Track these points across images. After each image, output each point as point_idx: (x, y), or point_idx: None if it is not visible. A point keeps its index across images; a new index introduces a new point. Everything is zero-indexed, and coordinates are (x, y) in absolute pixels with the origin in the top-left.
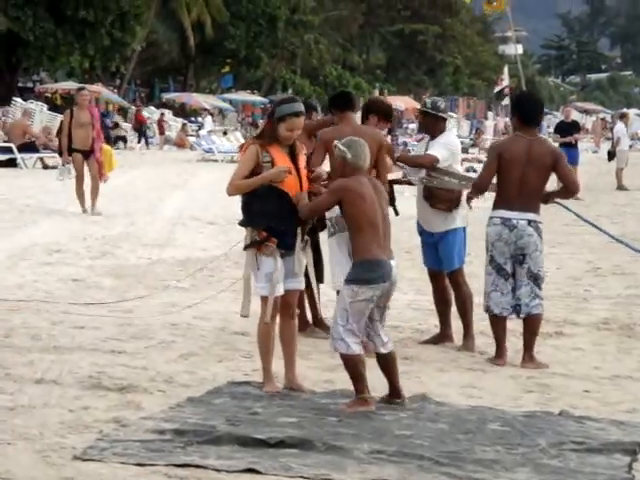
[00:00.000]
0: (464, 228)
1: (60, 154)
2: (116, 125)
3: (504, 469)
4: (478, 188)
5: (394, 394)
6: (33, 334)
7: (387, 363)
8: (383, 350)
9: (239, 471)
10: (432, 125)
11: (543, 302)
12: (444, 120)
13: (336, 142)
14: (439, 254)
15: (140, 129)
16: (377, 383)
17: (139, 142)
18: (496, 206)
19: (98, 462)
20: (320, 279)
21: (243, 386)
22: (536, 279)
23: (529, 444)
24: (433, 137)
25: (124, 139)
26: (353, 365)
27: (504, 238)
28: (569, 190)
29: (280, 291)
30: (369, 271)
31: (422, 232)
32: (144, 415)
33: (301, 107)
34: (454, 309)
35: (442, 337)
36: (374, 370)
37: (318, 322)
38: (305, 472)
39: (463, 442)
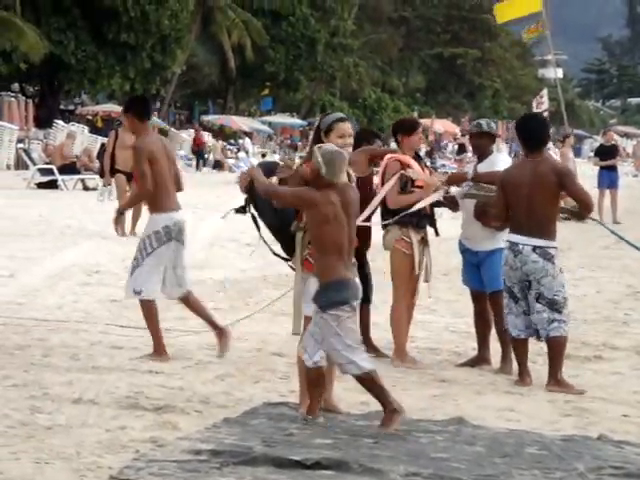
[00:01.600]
0: (503, 249)
1: (102, 175)
2: None
3: None
4: (494, 218)
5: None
6: (71, 354)
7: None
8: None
9: None
10: (485, 146)
11: (566, 324)
12: (494, 141)
13: (315, 149)
14: (481, 274)
15: (199, 152)
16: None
17: (197, 165)
18: (510, 229)
19: None
20: (367, 299)
21: (279, 407)
22: (553, 304)
23: (567, 468)
24: (481, 158)
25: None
26: (370, 381)
27: (509, 263)
28: (582, 207)
29: (305, 313)
30: (340, 291)
31: (464, 251)
32: (180, 435)
33: (344, 116)
34: (493, 332)
35: (480, 360)
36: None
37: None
38: None
39: (500, 465)
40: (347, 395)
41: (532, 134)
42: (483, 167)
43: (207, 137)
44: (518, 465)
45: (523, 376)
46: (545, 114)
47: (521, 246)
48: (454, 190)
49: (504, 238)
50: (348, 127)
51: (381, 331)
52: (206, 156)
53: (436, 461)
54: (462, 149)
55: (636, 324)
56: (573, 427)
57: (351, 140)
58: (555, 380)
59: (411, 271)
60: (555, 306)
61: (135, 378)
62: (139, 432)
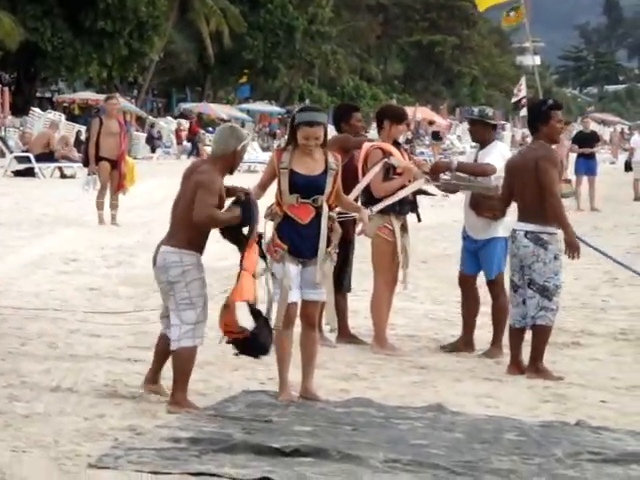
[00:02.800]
0: (506, 238)
1: (86, 164)
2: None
3: (520, 479)
4: (487, 209)
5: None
6: (49, 342)
7: (172, 362)
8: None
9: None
10: (481, 133)
11: (553, 313)
12: (494, 128)
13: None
14: (479, 261)
15: (193, 140)
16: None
17: (191, 153)
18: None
19: (113, 470)
20: (347, 288)
21: (258, 395)
22: (544, 291)
23: (545, 454)
24: (483, 146)
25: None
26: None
27: (510, 250)
28: (542, 197)
29: (292, 298)
30: None
31: (465, 237)
32: (159, 423)
33: (317, 117)
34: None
35: (463, 344)
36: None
37: (345, 331)
38: None
39: (479, 452)
40: (326, 382)
41: (529, 119)
42: (481, 155)
43: (185, 124)
44: (497, 451)
45: (511, 363)
46: (523, 102)
47: (517, 232)
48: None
49: (503, 227)
50: (314, 132)
51: (361, 318)
52: (199, 145)
53: (415, 447)
54: (436, 136)
55: (614, 310)
56: (551, 413)
57: (316, 142)
58: (535, 367)
59: (393, 258)
60: (545, 292)
61: (113, 366)
62: (118, 420)
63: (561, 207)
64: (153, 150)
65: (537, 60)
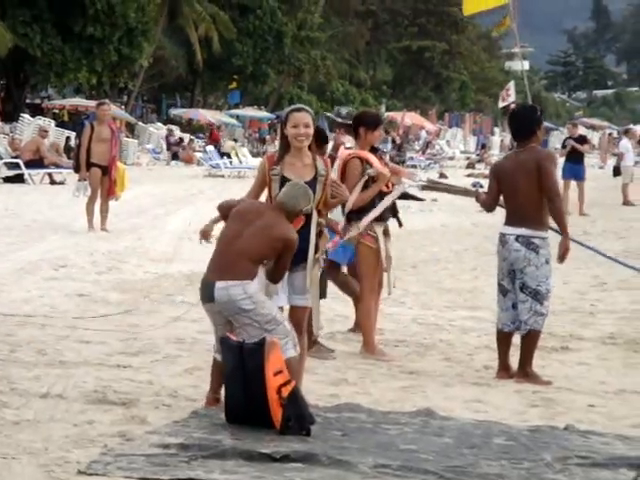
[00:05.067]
0: None
1: (77, 169)
2: (181, 140)
3: None
4: (485, 208)
5: None
6: (39, 349)
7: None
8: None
9: None
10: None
11: (544, 318)
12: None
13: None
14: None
15: (216, 146)
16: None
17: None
18: (504, 222)
19: (102, 476)
20: (323, 294)
21: None
22: (536, 295)
23: (534, 458)
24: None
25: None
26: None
27: (499, 254)
28: (548, 198)
29: (278, 303)
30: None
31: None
32: (149, 429)
33: (304, 107)
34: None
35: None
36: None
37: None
38: None
39: (468, 456)
40: (316, 387)
41: (517, 125)
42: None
43: (175, 130)
44: (486, 456)
45: (500, 368)
46: (512, 107)
47: (507, 236)
48: (411, 183)
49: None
50: (302, 117)
51: (350, 323)
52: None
53: (405, 452)
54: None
55: (602, 315)
56: (540, 418)
57: (306, 130)
58: (524, 372)
59: (377, 264)
60: (538, 296)
61: (103, 372)
62: (107, 426)
63: (563, 209)
64: (175, 157)
65: (526, 65)
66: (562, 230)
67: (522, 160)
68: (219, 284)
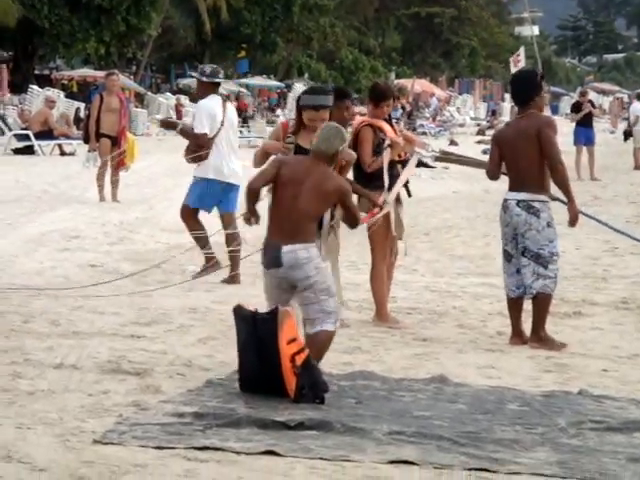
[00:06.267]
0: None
1: (86, 140)
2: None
3: (523, 449)
4: (489, 176)
5: None
6: (52, 320)
7: (310, 345)
8: (308, 331)
9: (258, 453)
10: (197, 89)
11: (552, 281)
12: (204, 84)
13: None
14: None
15: (240, 115)
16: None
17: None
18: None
19: (117, 446)
20: None
21: None
22: (538, 258)
23: (548, 423)
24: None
25: None
26: None
27: (502, 219)
28: (550, 166)
29: None
30: (262, 255)
31: None
32: (163, 399)
33: (323, 101)
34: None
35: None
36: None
37: None
38: (324, 454)
39: (482, 422)
40: (330, 355)
41: (515, 91)
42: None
43: (184, 100)
44: (500, 421)
45: (513, 334)
46: None
47: (509, 201)
48: (424, 154)
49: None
50: (320, 115)
51: (362, 292)
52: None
53: (419, 419)
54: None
55: (615, 280)
56: (553, 383)
57: (322, 123)
58: (537, 337)
59: (387, 232)
60: (540, 260)
61: (117, 342)
62: (122, 396)
63: (567, 175)
64: None
65: (535, 30)
66: (567, 197)
67: (522, 127)
68: (286, 248)
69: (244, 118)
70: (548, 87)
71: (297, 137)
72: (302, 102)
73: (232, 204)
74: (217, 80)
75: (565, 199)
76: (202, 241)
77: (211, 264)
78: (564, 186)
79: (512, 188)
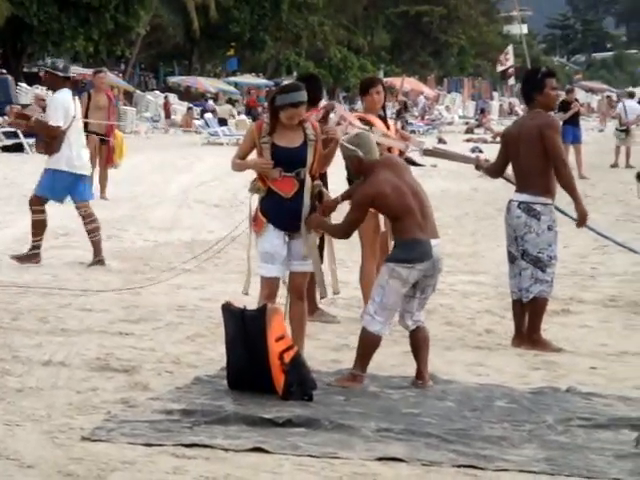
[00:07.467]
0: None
1: None
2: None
3: (511, 446)
4: (488, 174)
5: (417, 375)
6: (40, 317)
7: (414, 341)
8: (412, 326)
9: (246, 450)
10: (49, 83)
11: (549, 285)
12: (59, 78)
13: (342, 142)
14: None
15: (250, 112)
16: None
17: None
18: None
19: (106, 443)
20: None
21: None
22: (537, 262)
23: (536, 421)
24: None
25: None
26: (369, 344)
27: (505, 220)
28: (555, 168)
29: (273, 273)
30: (407, 251)
31: None
32: (152, 396)
33: (300, 97)
34: None
35: None
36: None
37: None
38: (312, 450)
39: (470, 419)
40: (317, 353)
41: (521, 89)
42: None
43: (173, 98)
44: (488, 418)
45: (518, 337)
46: (510, 71)
47: (511, 203)
48: (412, 147)
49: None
50: (299, 112)
51: (351, 289)
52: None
53: (407, 417)
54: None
55: (603, 277)
56: (542, 380)
57: (299, 119)
58: (531, 340)
59: (377, 227)
60: (539, 264)
61: (105, 340)
62: (110, 393)
63: (572, 176)
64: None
65: (524, 29)
66: (574, 198)
67: (526, 126)
68: (434, 242)
69: (254, 117)
70: (560, 85)
71: (273, 137)
72: (280, 102)
73: (87, 194)
74: (69, 75)
75: (571, 202)
76: (39, 229)
77: (32, 254)
78: (569, 187)
79: (517, 189)
